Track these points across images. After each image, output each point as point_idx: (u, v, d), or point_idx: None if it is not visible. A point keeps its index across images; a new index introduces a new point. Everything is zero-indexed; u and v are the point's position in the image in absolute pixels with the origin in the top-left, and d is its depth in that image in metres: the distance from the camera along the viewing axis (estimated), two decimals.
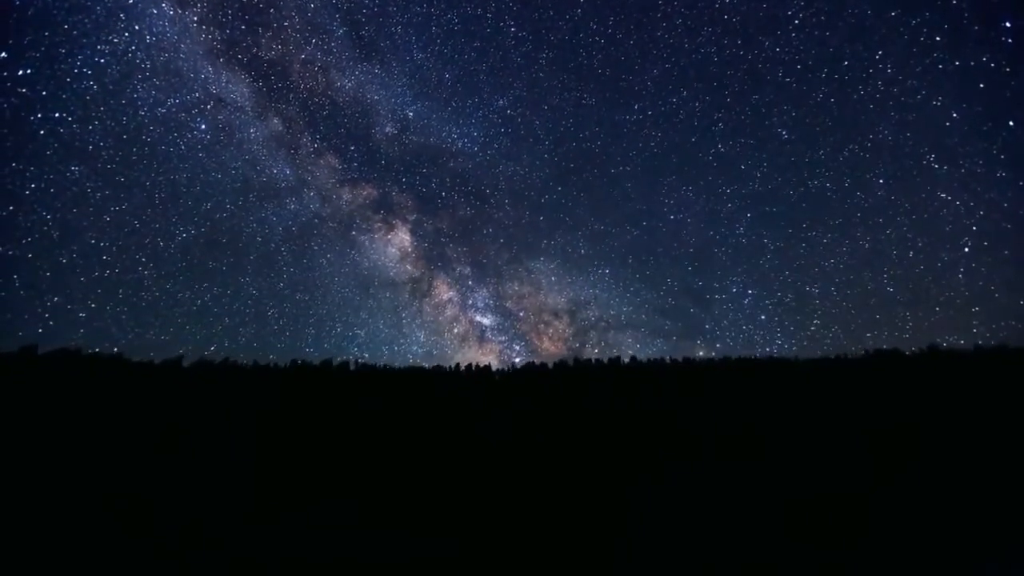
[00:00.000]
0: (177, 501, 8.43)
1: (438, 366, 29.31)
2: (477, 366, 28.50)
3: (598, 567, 4.83)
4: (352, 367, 29.29)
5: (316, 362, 29.56)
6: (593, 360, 25.53)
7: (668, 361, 23.10)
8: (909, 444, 9.10)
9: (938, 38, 31.93)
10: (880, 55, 34.52)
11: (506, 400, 19.78)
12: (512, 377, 26.22)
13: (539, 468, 9.43)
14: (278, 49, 40.56)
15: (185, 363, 26.95)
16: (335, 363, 29.38)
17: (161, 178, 36.16)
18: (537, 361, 40.74)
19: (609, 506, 6.61)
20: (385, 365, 29.75)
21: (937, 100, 32.76)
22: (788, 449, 9.91)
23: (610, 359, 25.78)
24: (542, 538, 5.71)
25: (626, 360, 25.04)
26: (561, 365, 25.66)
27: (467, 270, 45.35)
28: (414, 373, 27.44)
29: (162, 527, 7.04)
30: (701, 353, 37.19)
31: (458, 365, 29.45)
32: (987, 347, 18.87)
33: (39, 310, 30.08)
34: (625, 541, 5.29)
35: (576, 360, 25.48)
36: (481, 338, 42.79)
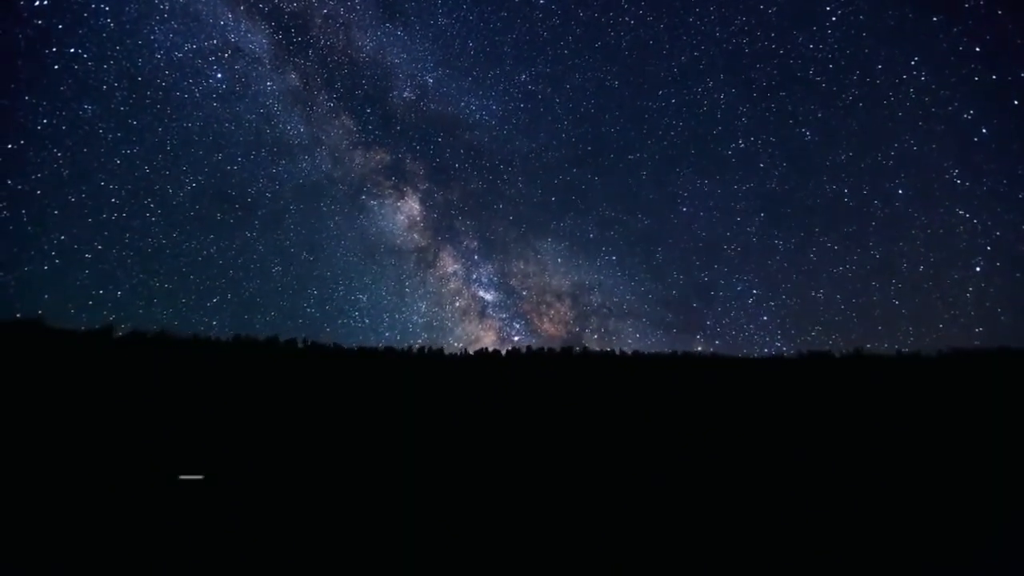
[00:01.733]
0: (92, 479, 7.92)
1: (389, 348, 28.89)
2: (430, 349, 28.27)
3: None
4: (300, 345, 28.50)
5: (262, 337, 28.65)
6: (546, 349, 25.83)
7: (618, 354, 23.68)
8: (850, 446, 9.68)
9: (978, 48, 30.95)
10: (916, 61, 33.49)
11: (459, 385, 19.73)
12: (465, 362, 26.19)
13: (486, 459, 9.44)
14: (300, 1, 39.45)
15: (116, 333, 25.42)
16: (282, 340, 28.52)
17: (174, 124, 35.21)
18: (536, 343, 41.12)
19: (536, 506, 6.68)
20: (335, 344, 29.13)
21: (968, 113, 31.82)
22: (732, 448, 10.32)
23: (563, 348, 26.16)
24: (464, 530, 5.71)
25: (578, 350, 25.49)
26: (514, 352, 25.82)
27: (474, 244, 45.14)
28: (365, 354, 26.93)
29: (69, 503, 6.59)
30: (700, 348, 37.52)
31: (411, 347, 29.11)
32: (907, 353, 20.36)
33: (45, 247, 29.82)
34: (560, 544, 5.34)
35: (529, 348, 25.69)
36: (482, 314, 42.76)
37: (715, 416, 12.57)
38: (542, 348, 25.61)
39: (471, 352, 26.72)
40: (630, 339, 41.69)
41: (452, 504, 6.49)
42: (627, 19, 42.39)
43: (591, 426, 11.68)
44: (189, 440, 9.75)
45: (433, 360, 26.44)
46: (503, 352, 26.48)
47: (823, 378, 17.92)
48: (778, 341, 37.06)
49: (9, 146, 29.26)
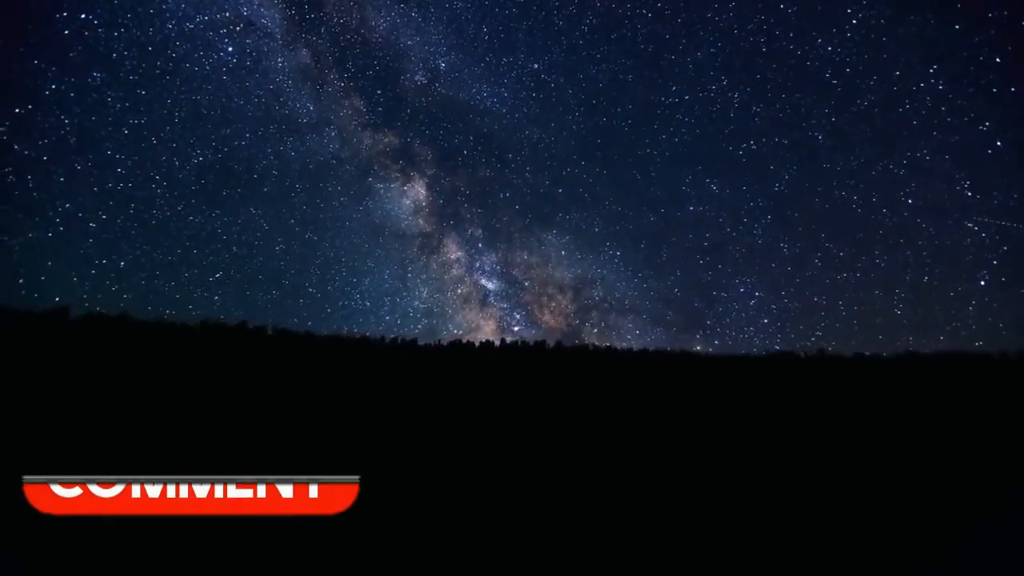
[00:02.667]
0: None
1: (364, 337, 28.53)
2: (404, 340, 28.02)
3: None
4: (269, 332, 27.91)
5: (232, 323, 28.03)
6: (519, 342, 25.88)
7: (591, 349, 23.95)
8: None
9: (998, 59, 30.42)
10: (935, 69, 32.72)
11: (432, 377, 19.59)
12: (437, 353, 26.05)
13: (455, 451, 9.35)
14: None
15: (72, 315, 24.43)
16: (250, 326, 27.90)
17: (183, 97, 35.24)
18: (536, 335, 41.47)
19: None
20: (306, 332, 28.65)
21: (984, 125, 31.36)
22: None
23: (537, 342, 26.27)
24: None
25: (551, 345, 25.63)
26: (487, 345, 25.82)
27: (479, 232, 44.70)
28: (336, 342, 26.52)
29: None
30: (699, 348, 37.57)
31: (383, 337, 28.80)
32: (866, 355, 21.12)
33: (50, 213, 29.88)
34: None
35: (503, 341, 25.71)
36: (483, 302, 42.38)
37: (680, 410, 12.77)
38: (516, 342, 25.67)
39: (444, 344, 26.61)
40: (630, 335, 41.66)
41: (419, 493, 6.40)
42: (644, 11, 41.32)
43: (564, 420, 11.72)
44: (147, 429, 9.39)
45: (406, 351, 26.21)
46: (476, 344, 26.46)
47: (789, 376, 18.41)
48: (777, 344, 36.59)
49: (17, 110, 28.89)
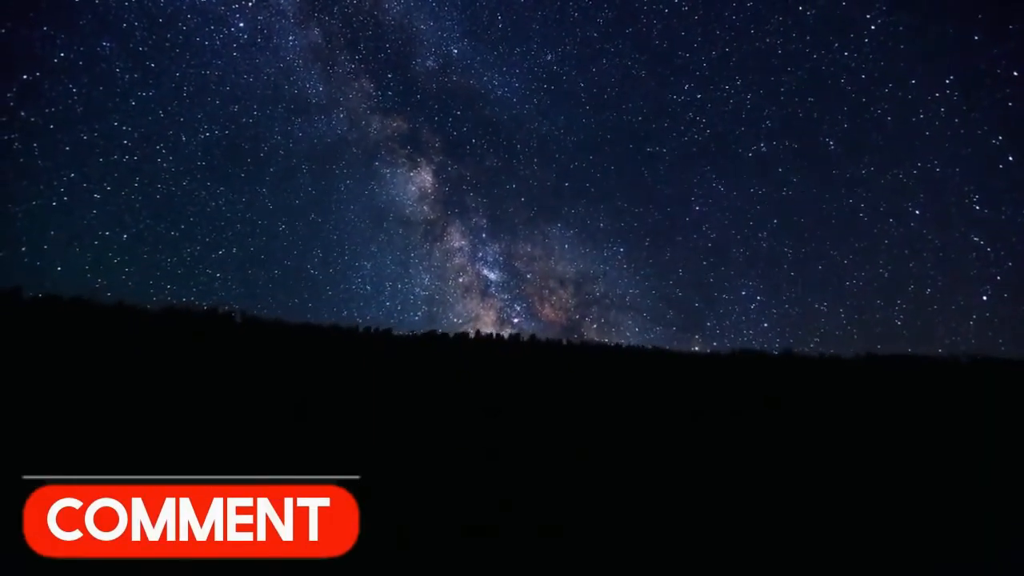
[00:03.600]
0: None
1: (335, 325, 28.04)
2: (378, 330, 27.69)
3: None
4: (237, 319, 27.18)
5: (198, 309, 27.15)
6: (495, 334, 25.95)
7: (564, 343, 24.18)
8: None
9: (1015, 73, 30.42)
10: (951, 80, 32.33)
11: (408, 369, 19.44)
12: (411, 342, 25.84)
13: (429, 449, 9.38)
14: None
15: (25, 295, 23.22)
16: (219, 312, 27.11)
17: (192, 71, 35.50)
18: (535, 328, 41.55)
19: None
20: (276, 319, 28.05)
21: (997, 139, 31.34)
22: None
23: (511, 336, 26.38)
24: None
25: (526, 339, 25.79)
26: (462, 336, 25.75)
27: (483, 222, 45.05)
28: (306, 329, 25.99)
29: None
30: (697, 348, 37.85)
31: (357, 326, 28.40)
32: (828, 356, 22.04)
33: (54, 183, 29.97)
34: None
35: (479, 333, 25.71)
36: (484, 292, 42.62)
37: (655, 407, 13.11)
38: (491, 334, 25.71)
39: (419, 334, 26.43)
40: (629, 332, 42.37)
41: (400, 490, 6.41)
42: (661, 6, 41.11)
43: (542, 416, 11.88)
44: (101, 423, 9.08)
45: (381, 340, 25.90)
46: (451, 335, 26.36)
47: (757, 375, 19.05)
48: (776, 349, 37.42)
49: (25, 77, 29.07)
